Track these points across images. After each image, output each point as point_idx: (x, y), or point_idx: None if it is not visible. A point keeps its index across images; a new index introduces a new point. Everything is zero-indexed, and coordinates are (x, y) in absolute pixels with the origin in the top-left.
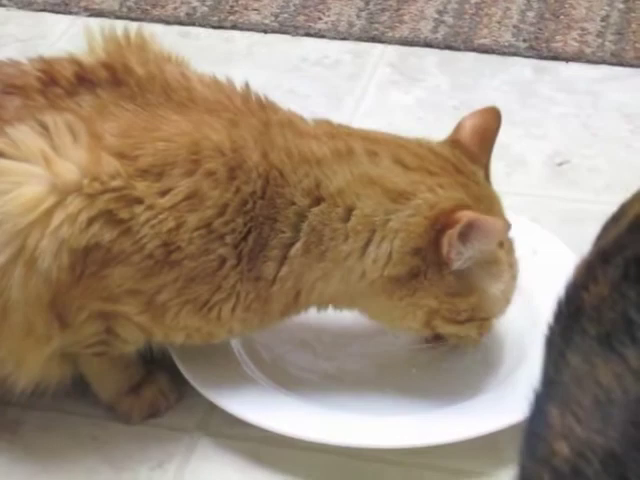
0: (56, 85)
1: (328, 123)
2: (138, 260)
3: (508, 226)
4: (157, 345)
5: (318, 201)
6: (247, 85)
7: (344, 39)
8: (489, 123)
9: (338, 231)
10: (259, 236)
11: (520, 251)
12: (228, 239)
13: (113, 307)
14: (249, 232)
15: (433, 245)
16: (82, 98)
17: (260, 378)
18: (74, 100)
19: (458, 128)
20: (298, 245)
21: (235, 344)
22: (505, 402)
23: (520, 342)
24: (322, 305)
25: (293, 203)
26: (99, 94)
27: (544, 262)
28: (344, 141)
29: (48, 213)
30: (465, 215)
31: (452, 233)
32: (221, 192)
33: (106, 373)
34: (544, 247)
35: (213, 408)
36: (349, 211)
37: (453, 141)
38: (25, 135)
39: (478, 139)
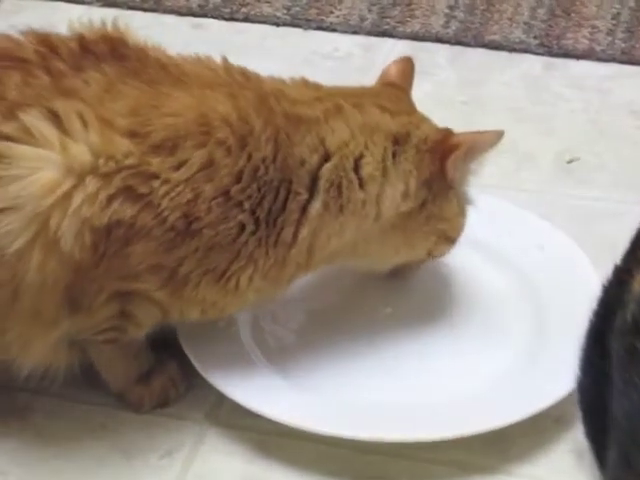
0: (57, 56)
1: (305, 83)
2: (160, 233)
3: (499, 133)
4: (169, 328)
5: (327, 157)
6: (226, 59)
7: (355, 33)
8: (409, 67)
9: (353, 182)
10: (275, 200)
11: (528, 246)
12: (246, 205)
13: (133, 285)
14: (263, 197)
15: (438, 173)
16: (88, 75)
17: (269, 369)
18: (80, 77)
19: (385, 74)
20: (317, 204)
21: (244, 335)
22: (514, 398)
23: (525, 336)
24: (327, 263)
25: (303, 162)
26: (104, 70)
27: (552, 257)
28: (330, 101)
29: (67, 195)
30: (464, 139)
31: (456, 156)
32: (234, 160)
33: (116, 361)
34: (552, 243)
35: (222, 399)
36: (358, 160)
37: (390, 83)
38: (37, 121)
39: (404, 78)
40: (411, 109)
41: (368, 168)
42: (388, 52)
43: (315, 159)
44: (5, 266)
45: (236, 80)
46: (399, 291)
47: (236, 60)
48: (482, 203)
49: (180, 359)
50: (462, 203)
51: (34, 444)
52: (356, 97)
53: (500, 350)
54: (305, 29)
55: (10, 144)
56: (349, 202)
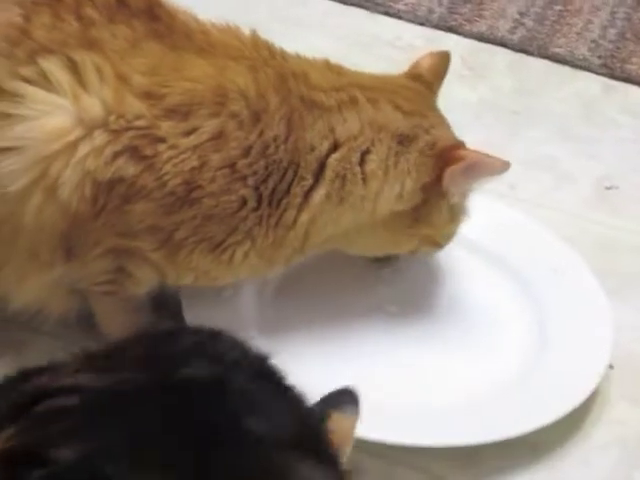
0: (92, 3)
1: (329, 67)
2: (160, 196)
3: (506, 164)
4: (168, 288)
5: (335, 147)
6: (255, 32)
7: (421, 24)
8: (443, 63)
9: (357, 176)
10: (281, 181)
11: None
12: (250, 181)
13: (130, 243)
14: (269, 175)
15: (436, 180)
16: (118, 28)
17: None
18: (109, 29)
19: (417, 65)
20: (321, 192)
21: (245, 307)
22: (493, 418)
23: (526, 359)
24: (318, 249)
25: (313, 148)
26: (134, 25)
27: (562, 282)
28: (346, 92)
29: (73, 145)
30: (469, 155)
31: (455, 169)
32: (245, 134)
33: (115, 314)
34: (567, 267)
35: None
36: (364, 156)
37: (417, 75)
38: (54, 67)
39: (434, 74)
40: (428, 110)
41: (372, 165)
42: (451, 48)
43: (325, 146)
44: (6, 204)
45: (261, 55)
46: (408, 292)
47: (295, 31)
48: (506, 217)
49: (179, 320)
50: (455, 214)
51: None
52: (374, 91)
53: (492, 368)
54: (371, 12)
55: (25, 85)
56: (350, 195)
